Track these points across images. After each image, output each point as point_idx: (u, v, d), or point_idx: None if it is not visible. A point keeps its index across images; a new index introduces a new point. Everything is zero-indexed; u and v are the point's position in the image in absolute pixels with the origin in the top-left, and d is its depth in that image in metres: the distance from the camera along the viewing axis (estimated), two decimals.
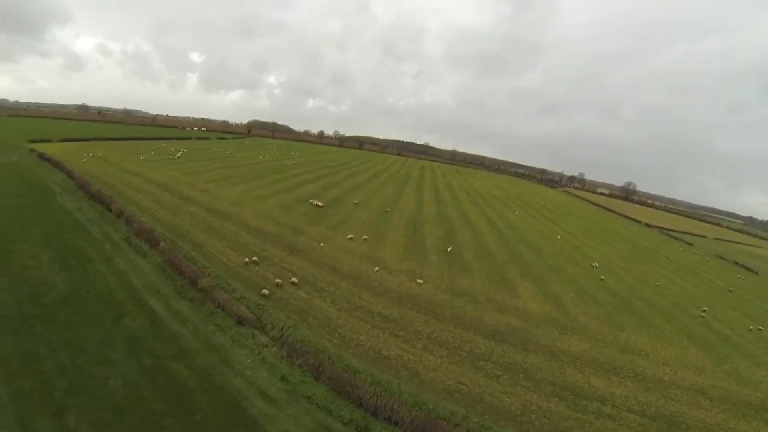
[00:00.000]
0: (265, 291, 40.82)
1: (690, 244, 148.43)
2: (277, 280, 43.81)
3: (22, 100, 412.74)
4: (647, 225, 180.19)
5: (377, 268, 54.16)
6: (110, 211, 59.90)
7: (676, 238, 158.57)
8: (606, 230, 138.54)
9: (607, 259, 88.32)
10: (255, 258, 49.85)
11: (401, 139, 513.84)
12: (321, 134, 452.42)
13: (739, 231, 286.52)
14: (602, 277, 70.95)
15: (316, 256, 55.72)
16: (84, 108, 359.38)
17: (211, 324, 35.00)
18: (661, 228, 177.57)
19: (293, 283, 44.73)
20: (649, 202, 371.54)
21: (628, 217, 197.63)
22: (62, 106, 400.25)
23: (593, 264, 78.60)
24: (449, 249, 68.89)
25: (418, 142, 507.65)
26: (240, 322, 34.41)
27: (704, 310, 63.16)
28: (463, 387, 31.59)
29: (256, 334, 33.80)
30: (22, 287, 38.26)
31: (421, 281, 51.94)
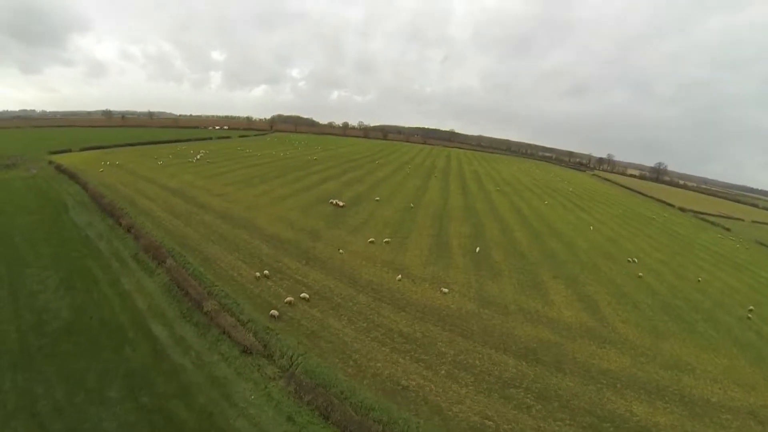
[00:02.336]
0: (274, 312, 38.67)
1: (727, 229, 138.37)
2: (289, 298, 41.58)
3: (48, 109, 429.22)
4: (681, 209, 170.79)
5: (399, 276, 51.34)
6: (120, 225, 59.33)
7: (712, 222, 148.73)
8: (639, 217, 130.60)
9: (643, 252, 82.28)
10: (267, 271, 47.91)
11: (426, 126, 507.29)
12: (345, 126, 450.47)
13: None
14: (640, 273, 65.77)
15: (333, 265, 53.38)
16: (108, 114, 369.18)
17: (215, 353, 33.15)
18: (696, 212, 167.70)
19: (306, 300, 42.48)
20: (681, 182, 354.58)
21: (661, 201, 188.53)
22: (88, 113, 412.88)
23: (631, 259, 73.17)
24: (477, 249, 65.26)
25: (443, 129, 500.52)
26: (246, 350, 32.38)
27: (750, 310, 57.21)
28: (490, 423, 28.41)
29: (262, 364, 31.70)
30: (26, 316, 37.85)
31: (446, 290, 48.79)
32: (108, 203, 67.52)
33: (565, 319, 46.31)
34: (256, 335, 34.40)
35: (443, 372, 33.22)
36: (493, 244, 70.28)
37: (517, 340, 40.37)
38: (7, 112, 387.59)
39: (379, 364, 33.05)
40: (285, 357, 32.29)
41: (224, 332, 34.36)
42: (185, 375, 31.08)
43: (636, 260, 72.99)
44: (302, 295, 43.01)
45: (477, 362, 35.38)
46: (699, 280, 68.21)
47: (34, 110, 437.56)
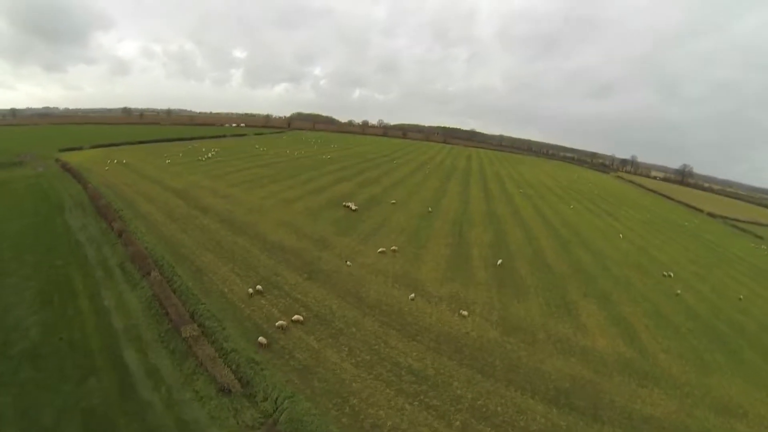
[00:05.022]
0: (262, 339, 34.43)
1: (760, 237, 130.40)
2: (281, 322, 37.18)
3: (71, 107, 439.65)
4: (710, 214, 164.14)
5: (413, 294, 46.53)
6: (112, 229, 56.42)
7: (743, 230, 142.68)
8: (669, 223, 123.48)
9: (677, 263, 75.93)
10: (260, 287, 43.80)
11: (447, 126, 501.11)
12: (364, 124, 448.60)
13: None
14: (678, 291, 60.10)
15: (338, 280, 48.98)
16: (127, 111, 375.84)
17: (189, 390, 29.15)
18: (725, 218, 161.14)
19: (302, 324, 38.15)
20: (706, 185, 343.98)
21: (688, 205, 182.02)
22: (109, 110, 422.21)
23: (666, 273, 67.36)
24: (499, 262, 60.01)
25: (464, 128, 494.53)
26: (223, 389, 28.19)
27: None
28: None
29: (241, 407, 27.43)
30: None
31: (465, 312, 43.77)
32: (104, 205, 65.00)
33: (599, 348, 41.10)
34: (238, 370, 30.17)
35: (458, 423, 28.15)
36: (517, 254, 65.05)
37: (546, 377, 35.17)
38: (29, 109, 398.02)
39: (381, 412, 28.27)
40: (269, 399, 27.94)
41: (201, 364, 30.32)
42: (151, 416, 27.16)
43: (671, 274, 67.84)
44: (300, 318, 38.70)
45: (499, 409, 30.31)
46: (740, 298, 63.11)
47: (57, 108, 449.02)
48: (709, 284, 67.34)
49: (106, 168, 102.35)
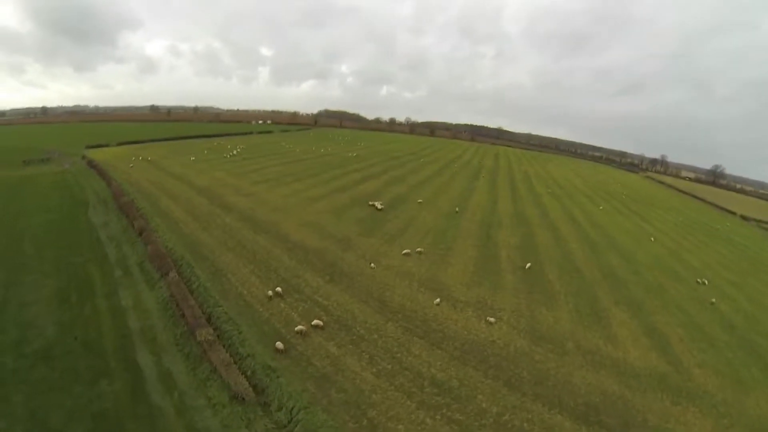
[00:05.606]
0: (280, 345, 33.31)
1: None
2: (300, 327, 36.05)
3: (101, 105, 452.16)
4: (743, 217, 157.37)
5: (438, 299, 44.86)
6: (134, 227, 56.53)
7: None
8: (701, 226, 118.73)
9: (711, 269, 72.38)
10: (280, 289, 42.79)
11: (474, 124, 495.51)
12: (392, 122, 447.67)
13: None
14: (713, 299, 56.91)
15: (361, 282, 47.62)
16: (154, 109, 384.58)
17: (202, 396, 28.24)
18: (759, 221, 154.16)
19: (322, 329, 36.93)
20: (738, 186, 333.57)
21: (721, 207, 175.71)
22: (137, 108, 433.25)
23: (700, 280, 64.04)
24: (528, 265, 57.89)
25: (491, 126, 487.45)
26: (237, 397, 27.15)
27: None
28: None
29: (255, 416, 26.32)
30: (10, 330, 35.04)
31: (492, 319, 41.86)
32: (126, 203, 65.37)
33: (631, 361, 38.73)
34: (253, 376, 29.13)
35: None
36: (546, 258, 62.64)
37: (576, 391, 33.05)
38: (60, 107, 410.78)
39: (400, 426, 26.69)
40: (284, 409, 26.76)
41: (215, 370, 29.38)
42: (162, 421, 26.35)
43: (706, 281, 64.59)
44: (320, 323, 37.50)
45: (525, 425, 28.36)
46: None
47: (87, 105, 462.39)
48: (745, 293, 63.81)
49: (131, 165, 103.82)
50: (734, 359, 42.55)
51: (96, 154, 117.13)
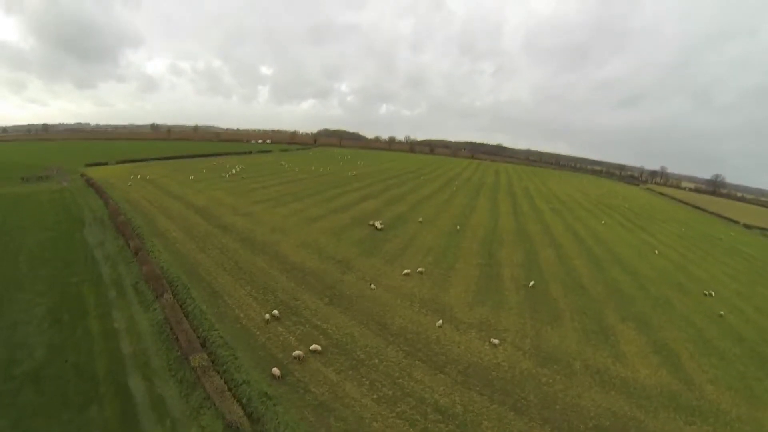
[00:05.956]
0: (276, 371, 32.30)
1: None
2: (297, 352, 35.05)
3: (101, 123, 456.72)
4: (746, 225, 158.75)
5: (440, 321, 43.98)
6: (129, 246, 55.83)
7: None
8: (704, 237, 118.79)
9: (718, 281, 71.88)
10: (278, 312, 41.92)
11: (473, 141, 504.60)
12: (391, 140, 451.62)
13: None
14: (721, 312, 56.35)
15: (361, 305, 46.74)
16: (155, 127, 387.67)
17: (194, 424, 27.16)
18: (763, 228, 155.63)
19: (320, 354, 35.94)
20: (739, 194, 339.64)
21: (723, 217, 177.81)
22: (138, 126, 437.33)
23: (707, 292, 63.55)
24: (531, 283, 57.31)
25: (490, 143, 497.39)
26: (231, 426, 26.11)
27: None
28: None
29: None
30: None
31: (496, 341, 40.89)
32: (123, 222, 64.76)
33: (641, 380, 37.81)
34: (248, 404, 28.04)
35: None
36: (550, 276, 62.01)
37: (585, 414, 32.02)
38: (62, 124, 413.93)
39: None
40: None
41: (209, 397, 28.37)
42: None
43: (713, 293, 64.19)
44: (318, 348, 36.51)
45: None
46: None
47: (88, 123, 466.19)
48: (753, 304, 63.18)
49: (130, 184, 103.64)
50: (746, 373, 41.87)
51: (95, 172, 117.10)
